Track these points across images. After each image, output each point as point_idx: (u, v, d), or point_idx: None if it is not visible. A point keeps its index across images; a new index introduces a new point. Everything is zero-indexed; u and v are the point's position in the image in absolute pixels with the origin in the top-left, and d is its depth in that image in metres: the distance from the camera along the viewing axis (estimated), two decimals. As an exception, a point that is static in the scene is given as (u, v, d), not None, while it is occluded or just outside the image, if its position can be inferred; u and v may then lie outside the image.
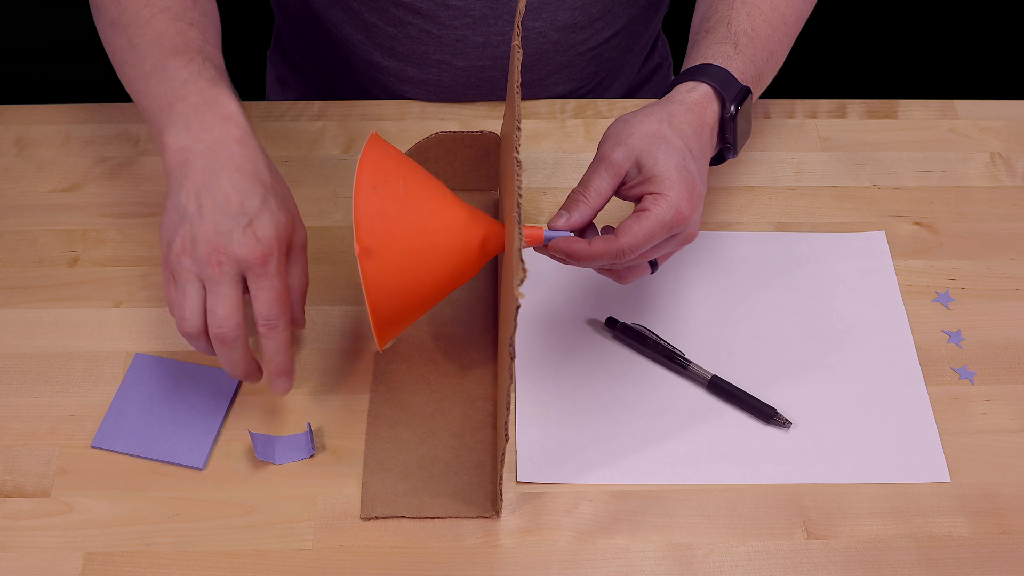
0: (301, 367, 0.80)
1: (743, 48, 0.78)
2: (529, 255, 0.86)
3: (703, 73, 0.75)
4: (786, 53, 0.84)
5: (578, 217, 0.70)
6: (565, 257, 0.70)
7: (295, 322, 0.73)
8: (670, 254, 0.74)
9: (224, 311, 0.68)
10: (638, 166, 0.71)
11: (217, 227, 0.68)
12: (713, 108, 0.75)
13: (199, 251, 0.68)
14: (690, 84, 0.75)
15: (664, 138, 0.71)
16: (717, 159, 0.79)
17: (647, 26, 1.06)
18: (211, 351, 0.71)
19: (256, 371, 0.73)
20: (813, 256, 0.88)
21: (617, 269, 0.72)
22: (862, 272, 0.87)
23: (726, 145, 0.77)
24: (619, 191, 0.72)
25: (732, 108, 0.74)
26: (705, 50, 0.78)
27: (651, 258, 0.72)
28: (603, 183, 0.71)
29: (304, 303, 0.74)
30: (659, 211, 0.69)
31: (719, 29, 0.79)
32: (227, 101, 0.72)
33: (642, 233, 0.69)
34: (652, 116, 0.73)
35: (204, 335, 0.70)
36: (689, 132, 0.72)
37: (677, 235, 0.71)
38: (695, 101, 0.74)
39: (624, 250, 0.69)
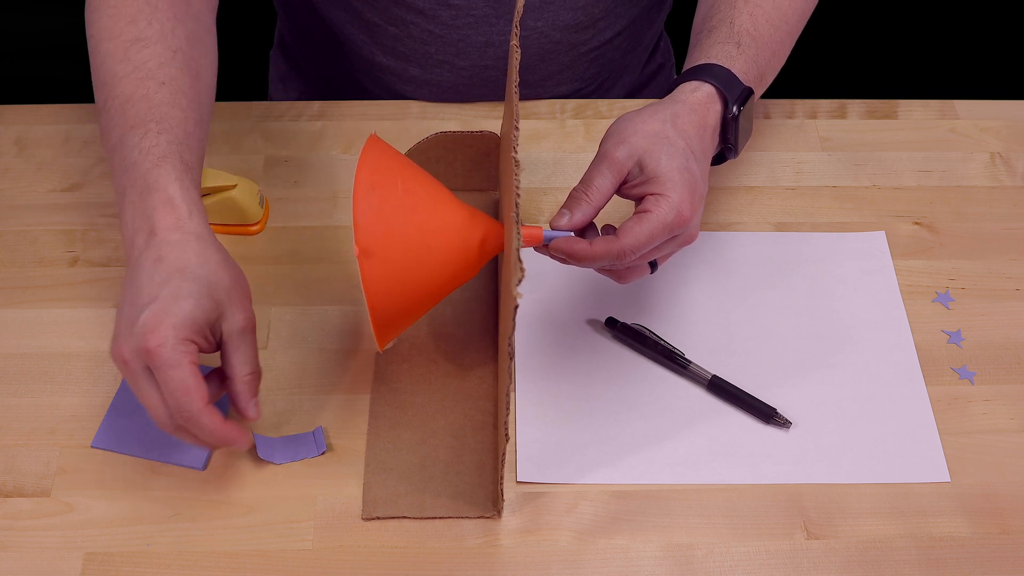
0: (302, 367, 0.80)
1: (746, 48, 0.77)
2: (529, 255, 0.85)
3: (706, 73, 0.75)
4: (788, 53, 0.84)
5: (580, 216, 0.70)
6: (565, 257, 0.70)
7: (242, 414, 0.69)
8: (670, 255, 0.74)
9: (149, 405, 0.66)
10: (640, 166, 0.71)
11: (124, 324, 0.66)
12: (716, 108, 0.74)
13: (114, 353, 0.66)
14: (693, 84, 0.75)
15: (667, 139, 0.71)
16: (718, 159, 0.79)
17: (649, 26, 1.06)
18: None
19: (228, 438, 0.67)
20: (813, 256, 0.88)
21: (617, 269, 0.72)
22: (862, 272, 0.87)
23: (727, 146, 0.77)
24: (620, 190, 0.72)
25: (735, 109, 0.74)
26: (708, 49, 0.77)
27: (651, 259, 0.72)
28: (605, 181, 0.71)
29: (251, 394, 0.69)
30: (661, 212, 0.69)
31: (722, 28, 0.79)
32: (166, 184, 0.68)
33: (643, 234, 0.69)
34: (656, 116, 0.73)
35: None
36: (692, 133, 0.72)
37: (678, 236, 0.71)
38: (698, 101, 0.74)
39: (625, 251, 0.69)
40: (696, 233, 0.73)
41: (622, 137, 0.72)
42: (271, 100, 1.17)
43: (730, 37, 0.78)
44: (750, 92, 0.76)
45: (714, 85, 0.75)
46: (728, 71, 0.75)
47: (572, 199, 0.71)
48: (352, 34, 0.99)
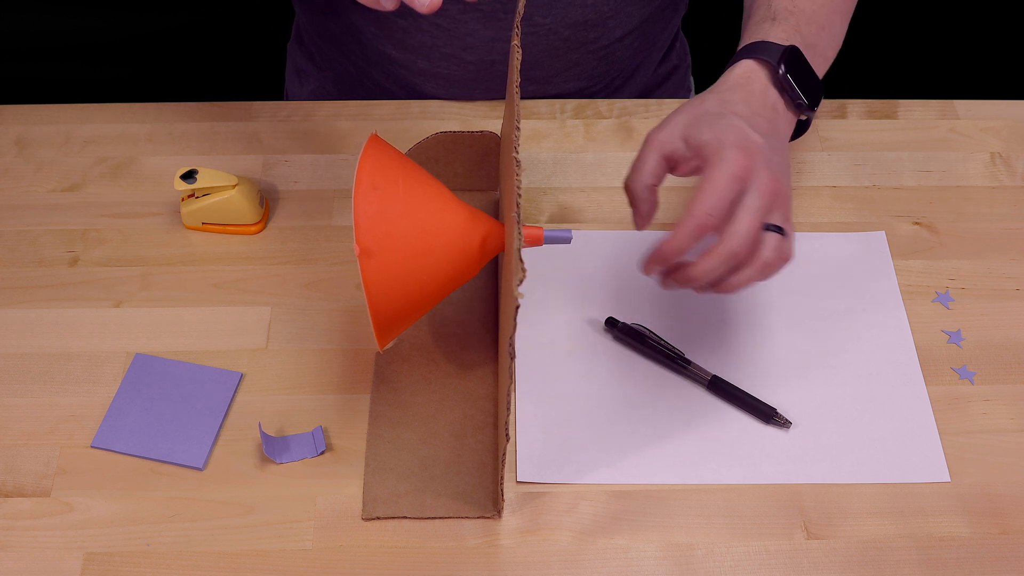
0: (302, 367, 0.80)
1: (782, 21, 0.79)
2: (529, 255, 0.86)
3: (744, 51, 0.77)
4: (840, 30, 0.85)
5: (632, 181, 0.72)
6: (661, 262, 0.69)
7: None
8: (764, 209, 0.69)
9: None
10: (685, 142, 0.71)
11: None
12: (759, 76, 0.75)
13: None
14: (734, 65, 0.77)
15: (708, 114, 0.72)
16: (801, 127, 0.78)
17: (664, 26, 1.06)
18: None
19: None
20: (813, 256, 0.88)
21: (735, 269, 0.69)
22: (862, 272, 0.87)
23: (798, 102, 0.76)
24: (675, 170, 0.73)
25: (781, 68, 0.75)
26: (747, 33, 0.80)
27: (744, 222, 0.68)
28: (649, 154, 0.72)
29: None
30: (716, 165, 0.68)
31: (760, 11, 0.81)
32: None
33: (711, 191, 0.67)
34: (693, 101, 0.74)
35: None
36: (736, 101, 0.73)
37: (752, 186, 0.68)
38: (739, 76, 0.75)
39: (704, 212, 0.67)
40: (775, 183, 0.69)
41: (664, 122, 0.73)
42: (287, 91, 1.19)
43: (767, 16, 0.80)
44: (793, 50, 0.76)
45: (752, 57, 0.76)
46: (764, 42, 0.77)
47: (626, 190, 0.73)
48: (363, 26, 0.99)
